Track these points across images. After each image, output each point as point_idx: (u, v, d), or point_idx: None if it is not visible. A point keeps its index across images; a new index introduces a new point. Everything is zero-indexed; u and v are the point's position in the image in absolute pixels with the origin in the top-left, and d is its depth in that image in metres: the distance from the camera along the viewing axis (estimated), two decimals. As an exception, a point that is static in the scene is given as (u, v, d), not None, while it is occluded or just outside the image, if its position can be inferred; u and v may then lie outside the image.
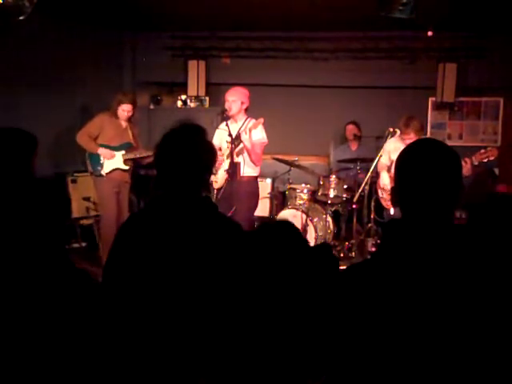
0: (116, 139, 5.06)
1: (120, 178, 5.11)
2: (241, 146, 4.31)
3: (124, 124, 5.13)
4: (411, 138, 4.79)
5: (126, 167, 5.13)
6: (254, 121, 4.42)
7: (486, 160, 4.26)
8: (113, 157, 5.04)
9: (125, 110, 5.02)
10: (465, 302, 1.18)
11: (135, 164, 5.35)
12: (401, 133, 4.94)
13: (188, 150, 1.74)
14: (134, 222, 1.79)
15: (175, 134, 1.77)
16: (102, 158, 5.05)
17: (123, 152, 5.10)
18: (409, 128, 4.80)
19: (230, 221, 1.84)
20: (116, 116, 5.05)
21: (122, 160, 5.09)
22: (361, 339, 1.22)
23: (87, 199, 5.82)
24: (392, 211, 5.02)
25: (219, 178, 4.39)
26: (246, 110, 4.49)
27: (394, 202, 1.35)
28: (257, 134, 4.36)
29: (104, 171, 5.03)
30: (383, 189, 5.15)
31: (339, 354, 1.25)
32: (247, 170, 4.41)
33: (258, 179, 4.70)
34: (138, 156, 5.12)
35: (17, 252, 1.68)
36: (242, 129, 4.37)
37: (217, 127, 4.51)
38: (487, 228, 1.29)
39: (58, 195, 1.81)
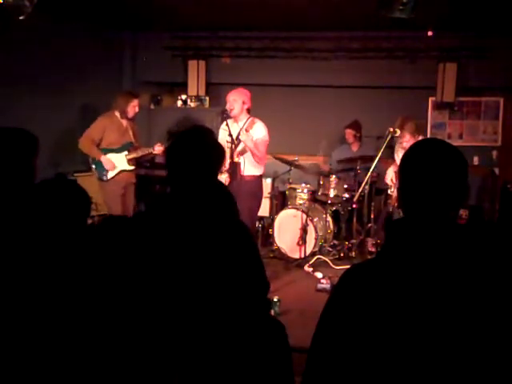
0: (119, 141, 5.06)
1: (126, 179, 5.13)
2: (241, 145, 4.31)
3: (125, 123, 5.12)
4: (407, 140, 4.77)
5: (131, 167, 5.14)
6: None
7: None
8: (115, 168, 5.02)
9: (135, 105, 5.06)
10: (468, 302, 1.18)
11: (137, 163, 5.34)
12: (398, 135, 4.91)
13: (198, 149, 1.79)
14: (143, 219, 1.81)
15: (185, 134, 1.81)
16: None
17: (126, 152, 5.09)
18: (404, 130, 4.78)
19: (238, 220, 1.86)
20: (123, 116, 5.04)
21: (125, 161, 5.09)
22: (363, 339, 1.22)
23: None
24: None
25: (221, 179, 4.38)
26: (248, 110, 4.49)
27: (399, 203, 1.35)
28: (257, 132, 4.35)
29: (110, 176, 5.03)
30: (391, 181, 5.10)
31: (340, 354, 1.25)
32: (249, 169, 4.39)
33: (259, 179, 4.68)
34: (140, 154, 5.15)
35: (37, 250, 1.70)
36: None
37: (217, 127, 4.51)
38: (489, 227, 1.28)
39: (80, 193, 1.84)
